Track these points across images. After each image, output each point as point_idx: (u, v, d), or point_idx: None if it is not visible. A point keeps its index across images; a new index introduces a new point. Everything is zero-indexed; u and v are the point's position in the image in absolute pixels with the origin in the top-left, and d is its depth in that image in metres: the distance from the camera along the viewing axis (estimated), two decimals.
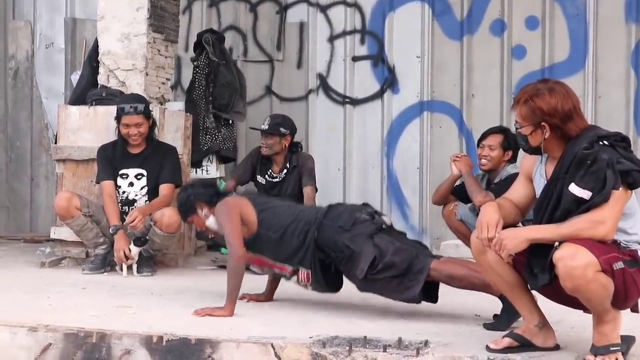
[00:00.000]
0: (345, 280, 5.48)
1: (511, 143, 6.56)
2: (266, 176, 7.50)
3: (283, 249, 5.41)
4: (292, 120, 7.64)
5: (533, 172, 4.32)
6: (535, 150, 4.23)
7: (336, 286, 5.49)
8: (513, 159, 6.69)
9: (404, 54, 9.11)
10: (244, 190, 7.69)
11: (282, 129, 7.43)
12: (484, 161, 6.71)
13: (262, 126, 7.48)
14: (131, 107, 6.96)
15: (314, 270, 5.34)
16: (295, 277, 5.46)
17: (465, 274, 5.08)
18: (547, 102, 4.08)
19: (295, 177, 7.42)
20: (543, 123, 4.10)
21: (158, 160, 7.09)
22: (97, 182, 7.15)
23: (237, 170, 7.91)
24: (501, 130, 6.87)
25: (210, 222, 5.61)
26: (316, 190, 7.47)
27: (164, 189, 7.04)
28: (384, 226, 5.35)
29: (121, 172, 7.08)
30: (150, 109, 7.14)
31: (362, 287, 5.30)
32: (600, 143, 4.02)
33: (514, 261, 4.18)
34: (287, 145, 7.49)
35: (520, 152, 4.50)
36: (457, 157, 6.89)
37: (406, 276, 5.12)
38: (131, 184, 7.08)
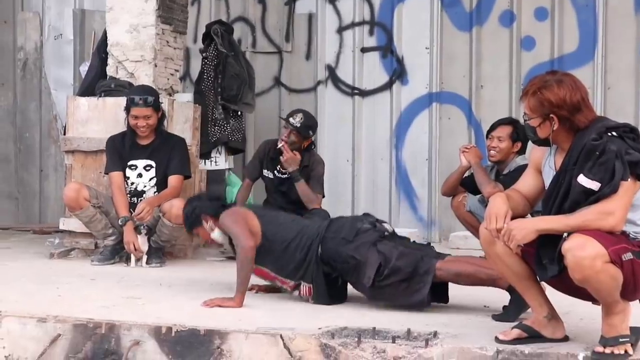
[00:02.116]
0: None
1: (520, 134, 6.56)
2: (275, 172, 7.39)
3: (286, 262, 5.43)
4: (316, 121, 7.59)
5: (542, 164, 4.32)
6: (543, 142, 4.22)
7: (339, 299, 5.46)
8: (522, 151, 6.68)
9: (413, 45, 9.09)
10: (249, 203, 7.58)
11: (310, 132, 7.35)
12: (492, 152, 6.71)
13: (292, 120, 7.27)
14: (140, 99, 6.95)
15: (315, 284, 5.36)
16: (296, 292, 5.46)
17: (472, 270, 5.09)
18: (555, 94, 4.08)
19: (305, 176, 7.26)
20: (551, 115, 4.10)
21: (167, 152, 7.09)
22: (106, 173, 7.15)
23: (247, 169, 7.83)
24: (510, 121, 6.86)
25: (216, 234, 5.63)
26: (323, 196, 7.39)
27: (173, 180, 7.05)
28: (386, 233, 5.38)
29: (130, 163, 7.08)
30: (160, 101, 7.13)
31: (371, 295, 5.30)
32: (609, 134, 4.02)
33: (523, 252, 4.18)
34: (305, 146, 7.40)
35: (530, 143, 4.49)
36: (466, 148, 6.89)
37: (413, 279, 5.13)
38: (140, 175, 7.09)
